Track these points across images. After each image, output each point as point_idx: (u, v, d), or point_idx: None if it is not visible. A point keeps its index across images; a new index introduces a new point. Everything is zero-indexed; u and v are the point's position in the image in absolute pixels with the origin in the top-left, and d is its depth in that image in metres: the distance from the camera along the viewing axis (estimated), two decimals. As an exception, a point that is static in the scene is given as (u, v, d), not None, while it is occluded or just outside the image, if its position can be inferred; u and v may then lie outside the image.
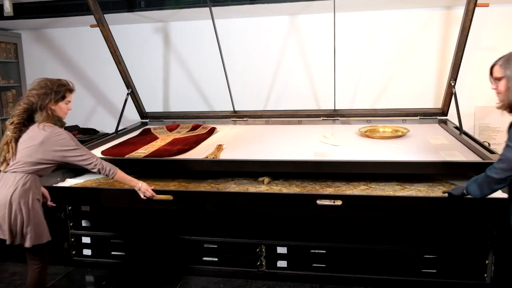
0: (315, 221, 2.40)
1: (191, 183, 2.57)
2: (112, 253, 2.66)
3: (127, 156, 2.66)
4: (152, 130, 3.37)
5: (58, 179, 2.63)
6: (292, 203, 2.16)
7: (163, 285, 2.46)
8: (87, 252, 2.70)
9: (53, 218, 2.39)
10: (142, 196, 2.18)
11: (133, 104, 3.65)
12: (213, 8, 3.27)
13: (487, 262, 2.24)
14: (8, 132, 1.91)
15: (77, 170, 2.72)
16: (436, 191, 2.26)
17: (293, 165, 2.41)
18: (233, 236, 2.49)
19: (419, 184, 2.37)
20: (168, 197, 2.22)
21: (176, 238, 2.56)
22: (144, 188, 2.17)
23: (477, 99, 3.58)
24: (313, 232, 2.40)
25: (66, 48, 4.34)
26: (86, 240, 2.69)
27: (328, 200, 2.07)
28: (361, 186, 2.39)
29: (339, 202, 2.06)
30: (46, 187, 2.20)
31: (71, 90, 2.02)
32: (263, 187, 2.45)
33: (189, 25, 3.97)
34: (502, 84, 1.59)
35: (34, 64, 4.46)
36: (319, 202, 2.08)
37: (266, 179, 2.53)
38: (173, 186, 2.52)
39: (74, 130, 4.24)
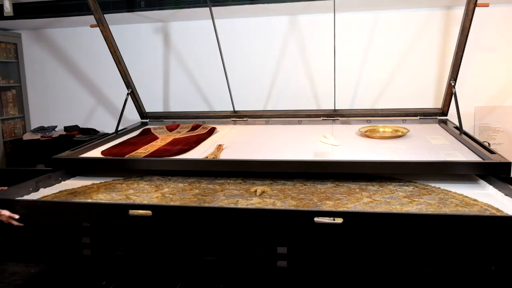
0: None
1: (179, 190, 2.38)
2: (113, 252, 2.66)
3: (127, 156, 2.66)
4: (152, 130, 3.37)
5: (31, 189, 2.36)
6: (286, 221, 1.95)
7: (163, 285, 2.46)
8: (87, 252, 2.70)
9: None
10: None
11: (133, 104, 3.65)
12: (213, 8, 3.27)
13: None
14: None
15: (53, 180, 2.55)
16: (449, 204, 2.02)
17: (292, 165, 2.41)
18: (232, 236, 2.47)
19: (428, 196, 2.14)
20: (147, 212, 2.00)
21: (175, 237, 2.55)
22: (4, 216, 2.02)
23: (477, 99, 3.59)
24: (313, 231, 2.38)
25: (66, 48, 4.35)
26: (86, 240, 2.69)
27: (327, 218, 1.87)
28: (364, 198, 2.15)
29: (339, 220, 1.87)
30: (11, 198, 2.10)
31: None
32: (255, 199, 2.22)
33: (189, 25, 3.98)
34: None
35: (34, 64, 4.46)
36: (317, 219, 1.88)
37: (259, 190, 2.30)
38: (155, 198, 2.29)
39: (74, 130, 4.25)
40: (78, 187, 2.48)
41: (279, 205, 2.12)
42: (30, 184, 2.37)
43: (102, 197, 2.30)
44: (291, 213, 1.96)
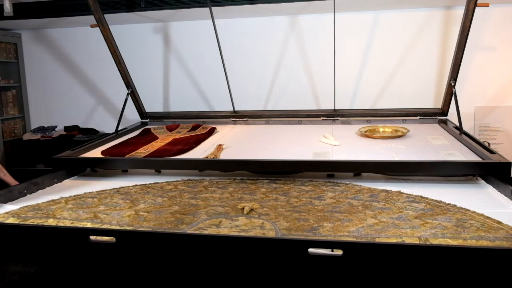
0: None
1: (156, 207, 2.05)
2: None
3: (127, 156, 2.66)
4: (152, 130, 3.37)
5: None
6: (274, 251, 1.62)
7: (164, 285, 2.45)
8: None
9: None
10: None
11: (133, 104, 3.66)
12: (213, 8, 3.27)
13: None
14: None
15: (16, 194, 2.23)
16: (468, 228, 1.72)
17: (293, 165, 2.41)
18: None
19: (443, 216, 1.83)
20: (110, 239, 1.74)
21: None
22: None
23: (477, 99, 3.59)
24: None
25: (66, 48, 4.35)
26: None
27: (324, 250, 1.55)
28: (368, 218, 1.84)
29: (339, 252, 1.53)
30: None
31: None
32: (241, 219, 1.92)
33: (189, 25, 3.98)
34: None
35: (34, 64, 4.46)
36: (311, 251, 1.56)
37: (247, 207, 2.02)
38: (127, 217, 1.96)
39: (74, 130, 4.25)
40: (43, 202, 2.14)
41: (269, 227, 1.85)
42: None
43: (67, 216, 2.02)
44: (280, 242, 1.66)
